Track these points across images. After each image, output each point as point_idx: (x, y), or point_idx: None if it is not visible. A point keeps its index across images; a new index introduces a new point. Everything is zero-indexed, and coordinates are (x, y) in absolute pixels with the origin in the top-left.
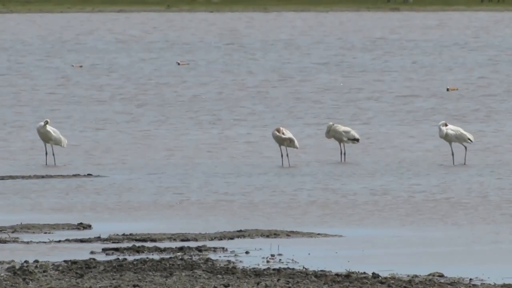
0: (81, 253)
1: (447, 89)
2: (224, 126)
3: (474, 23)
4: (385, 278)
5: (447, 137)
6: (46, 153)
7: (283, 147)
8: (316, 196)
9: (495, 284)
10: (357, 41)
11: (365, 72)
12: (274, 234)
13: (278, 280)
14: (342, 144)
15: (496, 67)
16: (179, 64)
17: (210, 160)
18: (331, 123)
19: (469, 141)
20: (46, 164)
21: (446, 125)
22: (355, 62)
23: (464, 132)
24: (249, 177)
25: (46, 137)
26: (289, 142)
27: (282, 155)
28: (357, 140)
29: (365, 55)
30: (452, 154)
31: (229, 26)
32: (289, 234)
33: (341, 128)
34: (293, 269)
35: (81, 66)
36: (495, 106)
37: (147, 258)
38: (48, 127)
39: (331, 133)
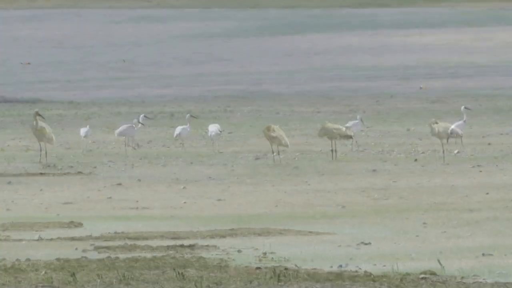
0: (73, 252)
1: (420, 88)
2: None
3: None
4: (378, 276)
5: (439, 135)
6: (41, 150)
7: (273, 145)
8: (309, 193)
9: (486, 282)
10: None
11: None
12: (267, 232)
13: (270, 278)
14: (333, 142)
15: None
16: (124, 61)
17: (202, 158)
18: (327, 121)
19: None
20: (40, 161)
21: (436, 123)
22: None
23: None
24: (241, 174)
25: (41, 134)
26: (279, 141)
27: (273, 152)
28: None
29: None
30: (443, 152)
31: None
32: (281, 232)
33: (332, 125)
34: (285, 267)
35: (29, 63)
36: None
37: (139, 256)
38: (41, 123)
39: (323, 131)
